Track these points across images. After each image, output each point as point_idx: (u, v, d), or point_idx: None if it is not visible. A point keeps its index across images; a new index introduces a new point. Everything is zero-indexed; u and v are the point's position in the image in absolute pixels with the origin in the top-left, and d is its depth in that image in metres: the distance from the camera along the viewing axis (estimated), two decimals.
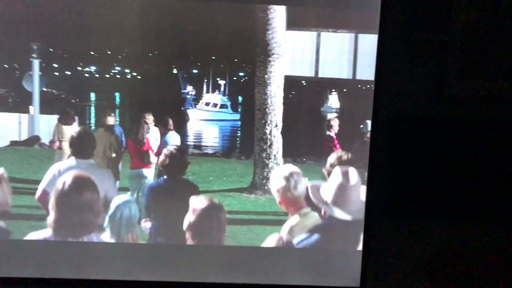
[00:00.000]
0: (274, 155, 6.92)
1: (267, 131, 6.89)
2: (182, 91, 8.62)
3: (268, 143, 6.92)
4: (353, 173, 2.84)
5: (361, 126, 5.67)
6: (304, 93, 6.66)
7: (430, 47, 3.20)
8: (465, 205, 3.08)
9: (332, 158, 3.96)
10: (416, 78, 3.28)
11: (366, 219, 3.11)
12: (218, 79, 7.80)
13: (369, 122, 5.51)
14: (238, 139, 8.14)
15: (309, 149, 6.86)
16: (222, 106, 12.99)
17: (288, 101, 6.78)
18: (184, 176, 3.99)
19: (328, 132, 6.46)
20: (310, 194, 2.81)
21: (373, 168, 3.20)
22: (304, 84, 6.99)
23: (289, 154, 6.75)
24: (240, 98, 7.40)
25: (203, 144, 7.80)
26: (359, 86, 5.94)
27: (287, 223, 3.13)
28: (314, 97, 6.91)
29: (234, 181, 7.64)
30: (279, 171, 3.25)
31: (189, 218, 3.30)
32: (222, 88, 10.71)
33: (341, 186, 2.79)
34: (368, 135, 5.41)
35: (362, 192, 2.85)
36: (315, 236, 2.88)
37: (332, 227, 2.83)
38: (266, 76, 6.83)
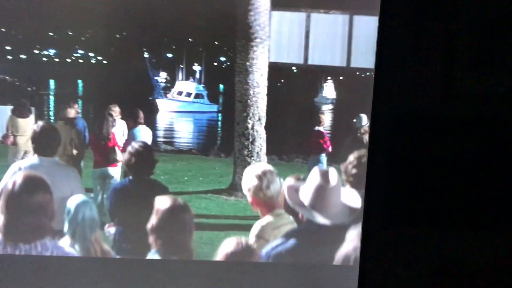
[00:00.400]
0: (257, 153, 7.02)
1: (249, 126, 7.03)
2: (151, 78, 8.58)
3: (250, 139, 6.99)
4: (333, 174, 2.84)
5: (354, 120, 5.83)
6: (293, 82, 6.65)
7: (437, 36, 3.21)
8: (474, 214, 3.12)
9: (353, 157, 3.93)
10: (421, 71, 3.30)
11: (363, 228, 3.12)
12: (195, 64, 7.79)
13: (363, 116, 5.65)
14: (216, 134, 8.13)
15: (297, 146, 6.88)
16: (197, 96, 13.00)
17: (273, 92, 6.83)
18: (152, 176, 3.95)
19: (317, 127, 6.51)
20: (287, 196, 2.83)
21: (372, 172, 3.21)
22: (294, 71, 7.03)
23: (274, 152, 6.80)
24: (219, 87, 7.40)
25: (176, 139, 7.78)
26: (357, 73, 5.97)
27: (257, 224, 3.13)
28: (305, 86, 6.94)
29: (212, 182, 7.72)
30: (251, 169, 3.24)
31: (152, 220, 3.28)
32: (197, 75, 10.71)
33: (319, 188, 2.81)
34: (362, 130, 5.44)
35: (342, 195, 2.87)
36: (291, 242, 2.87)
37: (310, 232, 2.83)
38: (248, 63, 6.87)
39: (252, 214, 5.03)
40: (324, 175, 2.86)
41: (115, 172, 5.47)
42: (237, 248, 3.04)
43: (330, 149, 6.71)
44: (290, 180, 3.10)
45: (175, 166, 9.03)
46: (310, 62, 6.78)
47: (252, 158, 6.96)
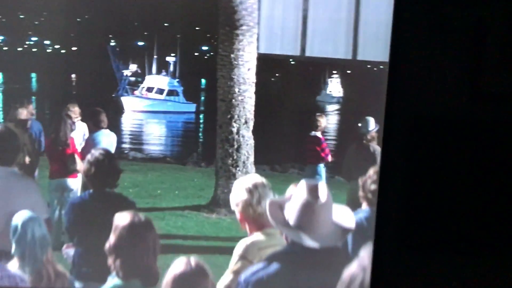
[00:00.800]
0: (243, 162, 6.99)
1: (234, 130, 6.98)
2: (115, 71, 8.60)
3: (235, 146, 6.95)
4: (322, 188, 2.86)
5: (360, 124, 5.87)
6: (289, 77, 6.67)
7: (465, 25, 3.22)
8: (505, 236, 3.14)
9: (373, 171, 3.93)
10: (445, 66, 3.32)
11: (374, 252, 3.14)
12: (171, 55, 7.82)
13: (370, 120, 5.73)
14: (195, 139, 8.14)
15: (292, 154, 6.86)
16: (171, 93, 12.96)
17: (263, 89, 6.86)
18: (117, 188, 3.93)
19: (313, 132, 6.48)
20: (268, 214, 2.80)
21: (385, 186, 3.21)
22: (292, 63, 7.06)
23: (264, 161, 6.77)
24: (199, 82, 7.40)
25: (146, 145, 7.79)
26: (368, 66, 5.99)
27: (241, 242, 3.14)
28: (305, 82, 6.94)
29: (190, 196, 7.69)
30: (241, 182, 3.24)
31: (110, 239, 3.28)
32: (171, 68, 10.72)
33: (307, 205, 2.77)
34: (369, 136, 5.65)
35: (334, 213, 2.89)
36: (274, 267, 2.86)
37: (296, 255, 2.83)
38: (232, 55, 6.87)
39: (238, 235, 5.03)
40: (312, 189, 2.86)
41: (75, 184, 5.46)
42: (186, 269, 3.08)
43: (329, 158, 6.70)
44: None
45: (146, 177, 9.04)
46: (308, 53, 6.78)
47: (238, 169, 6.99)
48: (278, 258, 2.97)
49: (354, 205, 4.05)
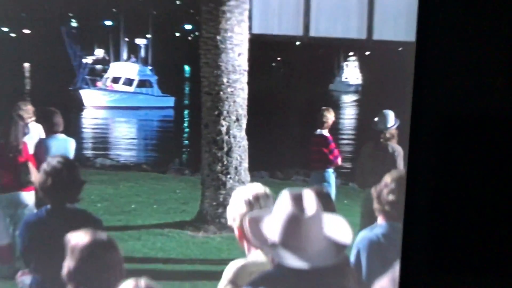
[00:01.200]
0: (235, 168, 6.93)
1: (223, 129, 6.96)
2: (71, 58, 8.59)
3: (225, 148, 6.88)
4: (309, 197, 2.84)
5: (376, 119, 5.79)
6: (292, 62, 6.65)
7: (508, 5, 3.20)
8: None
9: (390, 178, 3.87)
10: (481, 56, 3.28)
11: (401, 274, 3.13)
12: (148, 37, 7.73)
13: (389, 114, 5.70)
14: (177, 141, 8.08)
15: (298, 156, 6.69)
16: (143, 83, 12.97)
17: (259, 79, 6.82)
18: (79, 203, 3.90)
19: (319, 131, 6.37)
20: (248, 231, 2.81)
21: (413, 196, 3.17)
22: (297, 44, 7.03)
23: (262, 166, 6.70)
24: (182, 70, 7.37)
25: (116, 150, 7.77)
26: (390, 47, 5.90)
27: (231, 264, 3.14)
28: (312, 68, 6.91)
29: (172, 211, 7.67)
30: (240, 193, 3.25)
31: (67, 262, 3.27)
32: (141, 53, 10.70)
33: (292, 219, 2.75)
34: (387, 134, 5.62)
35: (325, 226, 2.82)
36: None
37: (284, 279, 2.79)
38: (218, 37, 6.83)
39: (229, 256, 5.06)
40: (297, 200, 2.79)
41: (30, 198, 5.43)
42: None
43: (339, 161, 6.67)
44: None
45: (117, 189, 8.98)
46: (312, 33, 6.72)
47: (229, 176, 6.95)
48: (264, 283, 2.95)
49: (370, 218, 4.15)
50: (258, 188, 3.27)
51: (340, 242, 2.83)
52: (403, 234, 2.86)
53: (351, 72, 36.84)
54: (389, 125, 5.71)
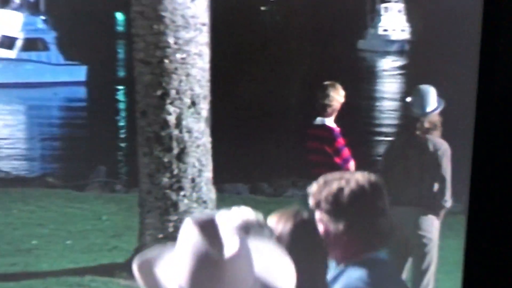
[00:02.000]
0: (192, 180, 6.00)
1: (171, 119, 5.70)
2: None
3: (175, 150, 5.95)
4: (226, 227, 2.03)
5: (409, 99, 4.82)
6: (293, 5, 4.79)
7: None
8: None
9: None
10: None
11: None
12: None
13: (429, 92, 4.73)
14: (99, 139, 6.45)
15: (296, 161, 5.43)
16: (32, 44, 12.80)
17: (234, 36, 6.37)
18: None
19: (320, 119, 5.59)
20: (140, 280, 2.03)
21: (475, 217, 2.14)
22: None
23: (236, 176, 5.12)
24: (113, 18, 5.70)
25: (2, 156, 5.96)
26: None
27: None
28: (327, 14, 5.11)
29: (95, 248, 6.90)
30: (220, 220, 2.06)
31: None
32: None
33: (202, 262, 1.99)
34: (426, 123, 4.58)
35: (257, 266, 2.07)
36: None
37: None
38: None
39: None
40: (207, 233, 2.01)
41: None
42: None
43: (350, 165, 5.20)
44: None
45: (8, 216, 7.24)
46: None
47: (182, 193, 5.55)
48: None
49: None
50: (246, 213, 2.51)
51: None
52: (464, 260, 2.05)
53: (393, 20, 31.05)
54: (428, 109, 4.64)
